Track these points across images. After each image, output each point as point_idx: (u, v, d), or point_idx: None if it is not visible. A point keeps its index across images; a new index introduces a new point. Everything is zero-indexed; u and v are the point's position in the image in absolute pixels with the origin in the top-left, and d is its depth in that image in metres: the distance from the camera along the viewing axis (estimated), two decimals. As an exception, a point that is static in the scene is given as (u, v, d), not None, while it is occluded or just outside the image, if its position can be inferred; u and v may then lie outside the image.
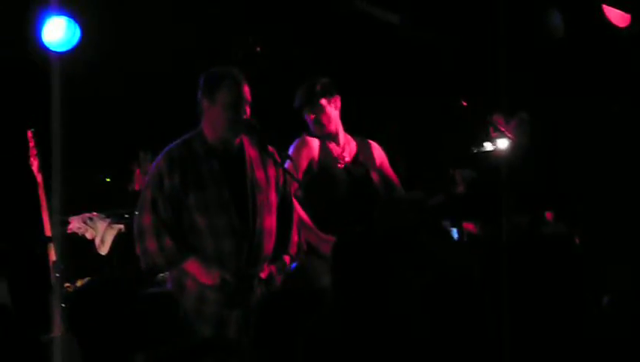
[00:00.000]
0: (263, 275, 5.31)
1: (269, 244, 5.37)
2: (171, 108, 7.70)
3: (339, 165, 6.20)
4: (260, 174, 5.41)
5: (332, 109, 6.18)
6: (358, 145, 6.31)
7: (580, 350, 3.67)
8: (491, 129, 6.75)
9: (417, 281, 3.93)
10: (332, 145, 6.22)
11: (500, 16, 6.95)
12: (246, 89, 5.34)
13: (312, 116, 6.19)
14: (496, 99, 6.80)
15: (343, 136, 6.27)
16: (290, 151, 6.09)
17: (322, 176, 6.14)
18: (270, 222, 5.39)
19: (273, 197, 5.44)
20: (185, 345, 3.48)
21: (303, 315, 3.89)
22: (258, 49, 7.91)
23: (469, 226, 6.49)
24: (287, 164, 5.73)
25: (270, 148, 5.45)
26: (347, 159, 6.24)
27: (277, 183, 5.48)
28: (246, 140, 5.43)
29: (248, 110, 5.36)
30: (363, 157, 6.29)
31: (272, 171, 5.47)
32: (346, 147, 6.27)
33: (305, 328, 3.54)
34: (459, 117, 6.84)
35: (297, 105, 6.24)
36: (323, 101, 6.16)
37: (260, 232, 5.32)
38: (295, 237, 5.52)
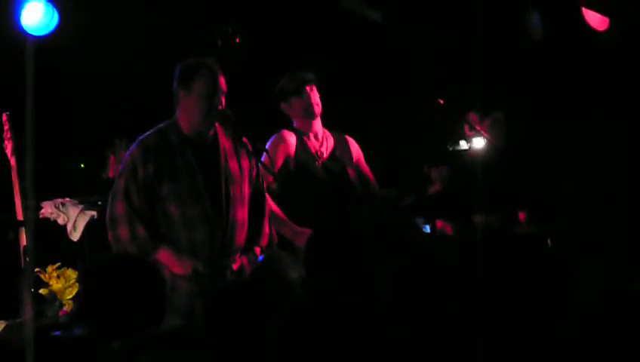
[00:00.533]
0: (234, 266, 5.31)
1: (241, 235, 5.37)
2: (147, 96, 7.67)
3: (316, 162, 6.20)
4: (233, 165, 5.41)
5: (316, 97, 6.18)
6: (336, 141, 6.30)
7: (551, 349, 3.69)
8: (466, 127, 6.77)
9: (389, 274, 3.94)
10: (310, 141, 6.21)
11: (477, 14, 6.97)
12: (222, 79, 5.33)
13: (301, 102, 6.15)
14: (472, 98, 6.81)
15: (321, 130, 6.26)
16: (267, 146, 6.08)
17: (299, 171, 6.14)
18: (242, 213, 5.39)
19: (246, 189, 5.44)
20: (156, 333, 3.46)
21: (263, 307, 3.88)
22: (237, 40, 7.89)
23: (442, 225, 6.50)
24: (264, 157, 5.73)
25: (244, 139, 5.44)
26: (325, 155, 6.23)
27: (250, 175, 5.48)
28: (220, 131, 5.43)
29: (224, 101, 5.35)
30: (340, 152, 6.29)
31: (245, 162, 5.47)
32: (324, 142, 6.26)
33: (275, 321, 3.54)
34: (435, 115, 6.85)
35: (282, 92, 6.21)
36: (308, 88, 6.14)
37: (232, 223, 5.32)
38: (266, 229, 5.52)
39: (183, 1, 7.83)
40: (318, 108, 6.17)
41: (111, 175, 7.65)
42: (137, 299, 3.69)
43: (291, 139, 6.18)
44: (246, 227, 5.41)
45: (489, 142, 6.59)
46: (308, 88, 6.15)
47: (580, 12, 7.25)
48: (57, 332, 4.01)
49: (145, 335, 3.26)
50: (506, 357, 3.63)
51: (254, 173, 5.51)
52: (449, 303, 3.73)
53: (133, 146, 5.35)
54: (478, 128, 6.61)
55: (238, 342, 3.52)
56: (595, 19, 7.30)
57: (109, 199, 5.31)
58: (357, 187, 6.29)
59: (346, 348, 3.28)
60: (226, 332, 3.60)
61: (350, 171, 6.27)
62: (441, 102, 6.60)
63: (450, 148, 6.78)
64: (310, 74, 6.20)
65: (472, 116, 6.80)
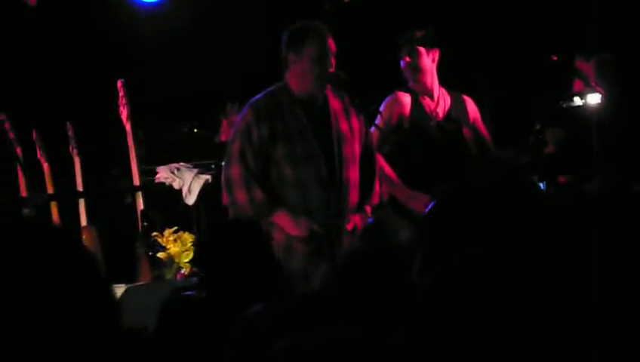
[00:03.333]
0: (348, 226, 5.33)
1: (354, 195, 5.40)
2: (259, 60, 7.70)
3: (432, 122, 6.14)
4: (344, 125, 5.42)
5: (429, 60, 6.09)
6: (452, 101, 6.23)
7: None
8: (578, 82, 6.47)
9: (513, 236, 3.87)
10: (425, 101, 6.15)
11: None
12: (331, 42, 5.33)
13: (408, 59, 6.09)
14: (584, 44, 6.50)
15: (437, 90, 6.19)
16: (381, 107, 6.03)
17: (413, 132, 6.09)
18: (355, 173, 5.42)
19: (357, 148, 5.46)
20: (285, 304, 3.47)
21: (387, 274, 3.86)
22: (346, 0, 7.85)
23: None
24: (378, 119, 5.72)
25: (357, 100, 5.43)
26: (440, 115, 6.17)
27: (360, 134, 5.48)
28: (329, 92, 5.43)
29: (334, 62, 5.35)
30: (456, 113, 6.21)
31: (355, 122, 5.47)
32: (440, 102, 6.19)
33: (396, 289, 3.51)
34: (548, 72, 6.69)
35: (396, 46, 6.13)
36: (421, 49, 6.07)
37: (345, 183, 5.35)
38: (377, 188, 5.53)
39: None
40: (423, 77, 6.07)
41: (223, 139, 7.72)
42: (253, 264, 3.71)
43: (405, 99, 6.13)
44: (358, 186, 5.42)
45: (603, 96, 6.31)
46: (422, 49, 6.08)
47: None
48: (190, 293, 4.03)
49: (274, 307, 3.26)
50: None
51: (364, 132, 5.50)
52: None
53: (244, 109, 5.39)
54: (593, 84, 6.40)
55: (375, 306, 3.50)
56: None
57: (224, 163, 5.36)
58: (472, 148, 6.21)
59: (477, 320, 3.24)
60: (364, 297, 3.59)
61: (466, 131, 6.19)
62: (555, 58, 6.45)
63: (564, 106, 6.59)
64: (428, 32, 6.08)
65: (583, 66, 6.47)
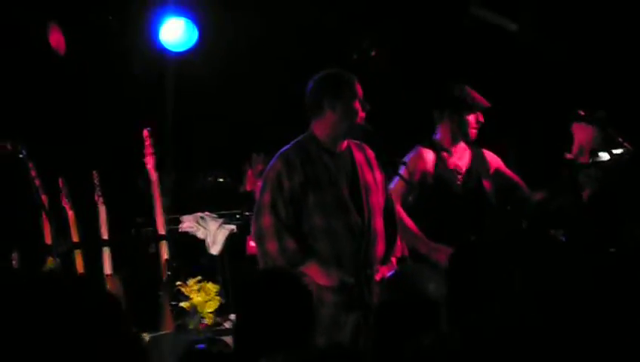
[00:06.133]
0: (376, 277, 5.31)
1: (380, 245, 5.40)
2: (283, 110, 7.73)
3: (455, 178, 6.13)
4: (369, 176, 5.43)
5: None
6: (472, 155, 6.23)
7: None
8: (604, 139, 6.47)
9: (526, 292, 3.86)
10: (448, 157, 6.15)
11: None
12: (361, 93, 5.34)
13: (471, 119, 6.09)
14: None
15: (460, 146, 6.20)
16: (407, 159, 6.03)
17: (438, 187, 6.09)
18: (380, 223, 5.42)
19: (381, 200, 5.46)
20: (308, 353, 3.43)
21: (416, 324, 3.84)
22: (373, 53, 7.89)
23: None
24: (402, 170, 5.71)
25: (384, 155, 5.46)
26: (463, 170, 6.17)
27: (383, 187, 5.49)
28: (352, 143, 5.45)
29: (363, 115, 5.36)
30: (476, 166, 6.22)
31: (378, 175, 5.49)
32: (462, 156, 6.20)
33: (421, 343, 3.50)
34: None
35: (456, 101, 6.13)
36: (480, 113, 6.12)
37: (374, 233, 5.35)
38: (399, 240, 5.52)
39: (320, 16, 7.87)
40: (474, 134, 6.13)
41: (248, 188, 7.74)
42: (287, 315, 3.68)
43: (428, 155, 6.12)
44: (384, 237, 5.41)
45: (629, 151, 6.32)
46: (480, 113, 6.11)
47: None
48: (201, 346, 4.04)
49: (296, 356, 3.24)
50: None
51: (385, 185, 5.53)
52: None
53: (274, 160, 5.38)
54: (620, 140, 6.38)
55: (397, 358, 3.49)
56: None
57: (255, 214, 5.34)
58: (492, 200, 6.20)
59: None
60: (387, 350, 3.57)
61: (486, 183, 6.20)
62: (582, 113, 6.43)
63: (591, 161, 6.56)
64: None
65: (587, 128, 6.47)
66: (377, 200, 5.42)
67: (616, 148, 6.40)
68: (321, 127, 5.38)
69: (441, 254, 5.81)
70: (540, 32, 7.76)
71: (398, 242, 5.53)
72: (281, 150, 5.41)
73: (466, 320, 3.48)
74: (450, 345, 3.27)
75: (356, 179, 5.38)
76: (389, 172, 5.68)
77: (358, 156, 5.45)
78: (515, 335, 3.47)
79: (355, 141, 5.46)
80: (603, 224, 6.20)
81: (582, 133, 6.41)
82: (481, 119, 6.10)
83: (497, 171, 6.26)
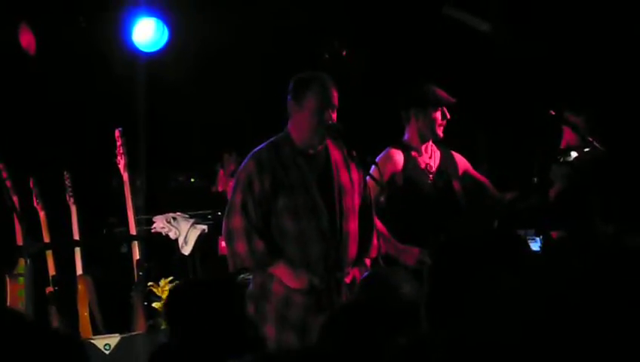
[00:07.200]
0: (347, 279, 5.31)
1: (353, 248, 5.37)
2: (256, 110, 7.73)
3: (426, 178, 6.13)
4: (344, 177, 5.40)
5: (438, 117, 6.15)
6: (442, 155, 6.24)
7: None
8: (575, 137, 6.51)
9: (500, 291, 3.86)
10: (418, 157, 6.15)
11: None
12: (334, 94, 5.33)
13: (437, 116, 6.07)
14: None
15: (430, 146, 6.20)
16: (377, 159, 6.02)
17: (408, 187, 6.08)
18: (354, 225, 5.39)
19: (357, 201, 5.44)
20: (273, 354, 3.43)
21: (388, 328, 3.84)
22: (344, 53, 7.90)
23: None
24: (373, 170, 5.70)
25: (354, 152, 5.42)
26: (433, 169, 6.18)
27: (360, 186, 5.47)
28: (330, 143, 5.43)
29: (335, 115, 5.35)
30: (446, 167, 6.22)
31: (355, 175, 5.46)
32: (432, 156, 6.20)
33: (397, 346, 3.49)
34: (546, 126, 6.71)
35: (417, 100, 6.13)
36: (445, 109, 6.11)
37: (345, 236, 5.32)
38: (375, 241, 5.50)
39: (292, 16, 7.87)
40: (441, 131, 6.12)
41: (220, 189, 7.73)
42: (220, 323, 3.72)
43: (398, 157, 6.11)
44: (357, 239, 5.41)
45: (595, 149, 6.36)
46: (445, 109, 6.09)
47: None
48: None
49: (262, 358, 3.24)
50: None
51: (363, 184, 5.50)
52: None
53: (246, 160, 5.37)
54: (590, 140, 6.41)
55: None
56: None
57: (225, 214, 5.33)
58: (462, 201, 6.21)
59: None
60: (351, 352, 3.57)
61: (456, 184, 6.21)
62: (553, 112, 6.47)
63: (561, 159, 6.59)
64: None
65: (577, 121, 6.50)
66: (352, 202, 5.40)
67: (586, 147, 6.45)
68: (293, 128, 5.38)
69: (409, 256, 5.84)
70: (512, 32, 7.80)
71: (374, 242, 5.51)
72: (254, 150, 5.39)
73: (448, 321, 3.48)
74: (430, 346, 3.27)
75: (330, 180, 5.36)
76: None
77: (336, 156, 5.42)
78: (496, 336, 3.45)
79: (336, 140, 5.44)
80: (570, 219, 6.24)
81: (570, 135, 6.47)
82: (448, 115, 6.10)
83: (466, 173, 6.28)
